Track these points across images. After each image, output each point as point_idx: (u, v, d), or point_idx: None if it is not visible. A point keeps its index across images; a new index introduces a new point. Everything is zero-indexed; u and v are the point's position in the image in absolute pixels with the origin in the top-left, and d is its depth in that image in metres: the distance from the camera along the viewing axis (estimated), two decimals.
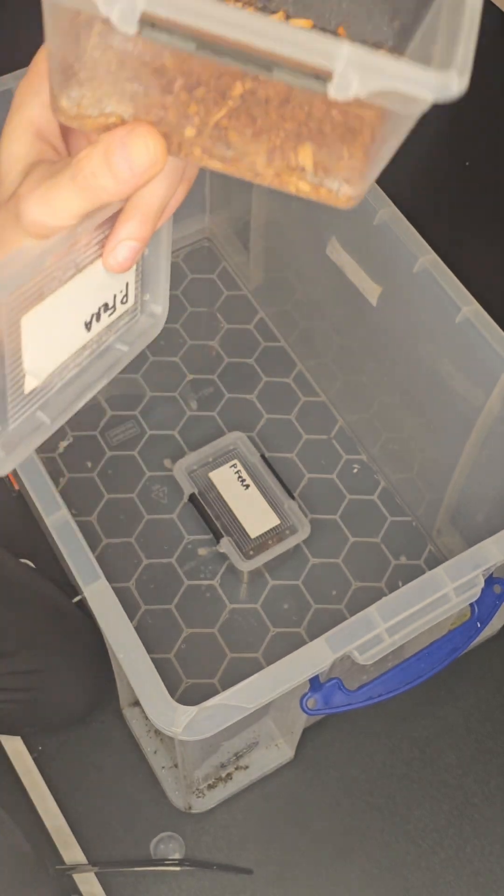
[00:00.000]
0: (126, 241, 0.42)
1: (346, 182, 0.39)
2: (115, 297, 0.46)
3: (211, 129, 0.38)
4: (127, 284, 0.47)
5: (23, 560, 1.05)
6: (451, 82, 0.33)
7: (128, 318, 0.48)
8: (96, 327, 0.46)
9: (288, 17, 0.42)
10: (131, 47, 0.36)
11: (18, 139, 0.43)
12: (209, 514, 1.12)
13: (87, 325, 0.45)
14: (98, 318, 0.46)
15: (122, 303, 0.47)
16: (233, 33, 0.32)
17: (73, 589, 0.83)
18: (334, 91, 0.33)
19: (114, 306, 0.46)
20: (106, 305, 0.46)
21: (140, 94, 0.37)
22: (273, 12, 0.42)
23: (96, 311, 0.45)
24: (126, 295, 0.47)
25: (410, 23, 0.39)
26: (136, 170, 0.37)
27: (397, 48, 0.40)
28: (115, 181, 0.38)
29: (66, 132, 0.44)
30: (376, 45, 0.41)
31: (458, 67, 0.33)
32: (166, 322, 1.35)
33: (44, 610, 0.96)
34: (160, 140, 0.38)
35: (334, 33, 0.41)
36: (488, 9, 0.81)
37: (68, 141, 0.44)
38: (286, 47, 0.32)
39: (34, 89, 0.42)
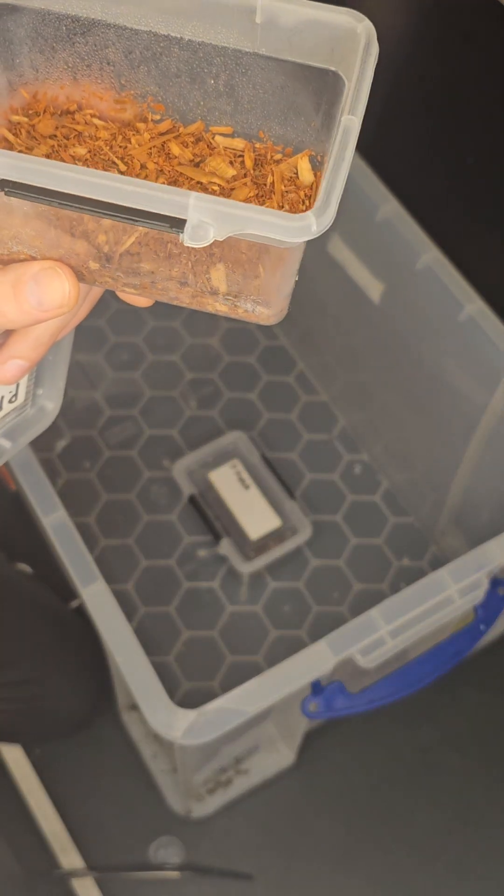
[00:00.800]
0: (16, 359, 0.42)
1: (260, 304, 0.40)
2: (2, 397, 0.46)
3: (122, 257, 0.39)
4: (17, 385, 0.46)
5: (20, 565, 1.04)
6: (310, 224, 0.34)
7: (14, 414, 0.48)
8: None
9: (208, 126, 0.43)
10: (19, 203, 0.37)
11: None
12: (209, 515, 1.11)
13: None
14: None
15: (9, 402, 0.47)
16: (86, 193, 0.34)
17: (72, 593, 0.82)
18: (189, 239, 0.34)
19: (0, 406, 0.46)
20: None
21: (45, 235, 0.38)
22: (192, 122, 0.43)
23: None
24: (15, 394, 0.47)
25: (326, 121, 0.41)
26: (44, 306, 0.38)
27: (321, 146, 0.41)
28: (18, 312, 0.38)
29: None
30: (297, 147, 0.42)
31: (318, 209, 0.34)
32: (166, 320, 1.34)
33: (41, 617, 0.95)
34: (75, 283, 0.38)
35: (256, 136, 0.42)
36: (490, 6, 0.81)
37: None
38: (140, 202, 0.34)
39: None
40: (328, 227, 0.34)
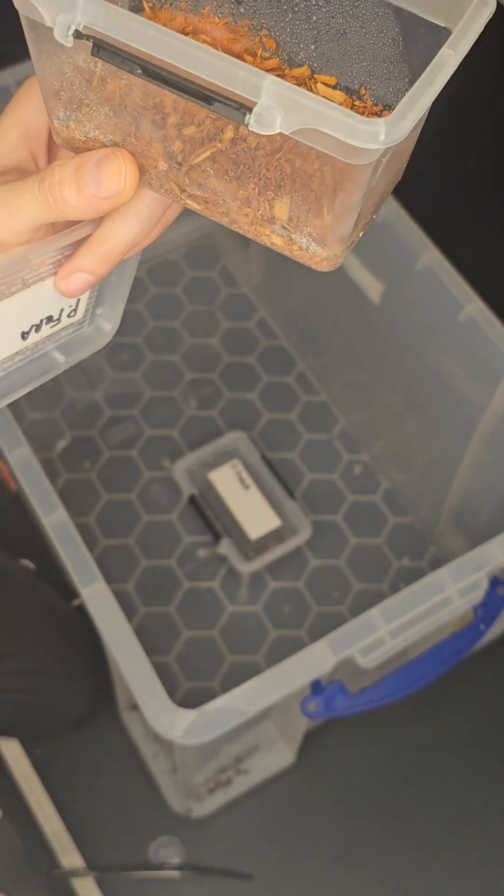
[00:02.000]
0: (82, 272, 0.41)
1: (316, 241, 0.39)
2: (61, 310, 0.45)
3: (192, 168, 0.38)
4: (78, 300, 0.46)
5: (23, 561, 1.05)
6: (378, 132, 0.33)
7: (72, 329, 0.47)
8: (34, 337, 0.45)
9: (313, 73, 0.42)
10: (111, 77, 0.36)
11: (5, 135, 0.42)
12: (209, 515, 1.11)
13: (24, 335, 0.44)
14: (38, 330, 0.45)
15: (68, 316, 0.46)
16: (163, 55, 0.33)
17: (73, 591, 0.82)
18: (255, 123, 0.33)
19: (58, 319, 0.46)
20: (50, 318, 0.45)
21: (127, 126, 0.38)
22: (299, 65, 0.42)
23: (38, 322, 0.44)
24: (75, 309, 0.46)
25: None
26: (102, 192, 0.38)
27: None
28: (78, 197, 0.38)
29: (53, 145, 0.44)
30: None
31: (391, 119, 0.33)
32: (166, 320, 1.34)
33: (42, 612, 0.95)
34: (134, 172, 0.38)
35: (357, 93, 0.41)
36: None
37: (51, 155, 0.44)
38: (213, 74, 0.33)
39: (35, 90, 0.41)
40: (399, 141, 0.33)
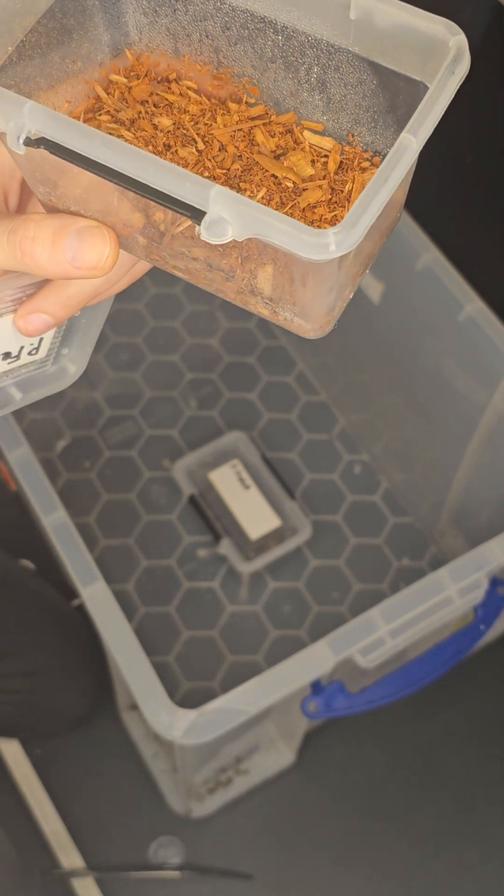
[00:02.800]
0: (42, 314, 0.41)
1: (298, 315, 0.39)
2: (21, 348, 0.45)
3: (174, 238, 0.38)
4: (41, 339, 0.45)
5: (24, 561, 1.05)
6: (328, 244, 0.32)
7: (33, 367, 0.47)
8: None
9: (300, 119, 0.42)
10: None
11: None
12: (209, 515, 1.11)
13: None
14: None
15: (29, 353, 0.45)
16: (113, 164, 0.33)
17: (73, 591, 0.82)
18: (205, 232, 0.33)
19: (17, 356, 0.45)
20: (7, 354, 0.44)
21: (106, 204, 0.37)
22: (285, 111, 0.42)
23: None
24: (37, 348, 0.46)
25: None
26: (77, 263, 0.37)
27: None
28: (50, 261, 0.37)
29: (26, 185, 0.43)
30: (384, 155, 0.41)
31: (341, 228, 0.32)
32: (166, 320, 1.34)
33: (42, 612, 0.95)
34: (115, 252, 0.37)
35: (346, 139, 0.41)
36: (491, 6, 0.81)
37: (24, 194, 0.43)
38: (162, 184, 0.33)
39: None
40: (353, 248, 0.32)
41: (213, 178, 0.39)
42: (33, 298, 0.41)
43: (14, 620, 0.92)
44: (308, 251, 0.32)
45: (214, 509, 1.12)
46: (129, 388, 1.23)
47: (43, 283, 0.41)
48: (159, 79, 0.43)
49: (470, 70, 0.36)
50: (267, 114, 0.42)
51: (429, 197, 0.94)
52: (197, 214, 0.33)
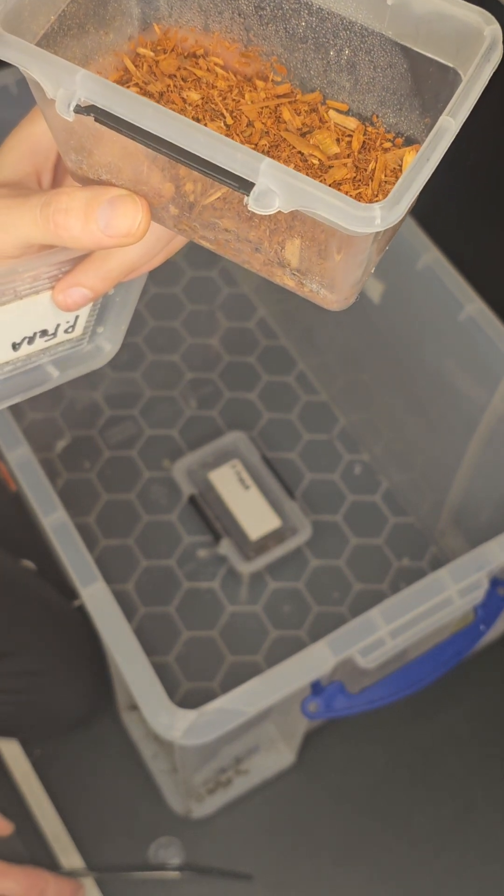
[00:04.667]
0: (81, 287, 0.41)
1: (325, 287, 0.40)
2: (58, 326, 0.45)
3: (204, 209, 0.39)
4: (76, 317, 0.46)
5: (24, 562, 1.04)
6: (374, 217, 0.33)
7: (69, 345, 0.47)
8: (26, 349, 0.44)
9: (325, 99, 0.42)
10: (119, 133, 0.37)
11: (13, 149, 0.42)
12: (209, 515, 1.11)
13: (15, 346, 0.44)
14: (31, 342, 0.44)
15: (65, 332, 0.46)
16: (163, 134, 0.34)
17: (73, 592, 0.82)
18: (253, 203, 0.34)
19: (54, 333, 0.45)
20: (45, 331, 0.45)
21: (138, 172, 0.38)
22: (311, 91, 0.43)
23: (31, 334, 0.44)
24: (73, 325, 0.46)
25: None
26: (109, 231, 0.37)
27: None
28: (83, 230, 0.37)
29: (60, 166, 0.44)
30: (408, 140, 0.42)
31: (387, 203, 0.34)
32: (166, 320, 1.34)
33: (42, 613, 0.95)
34: (147, 219, 0.38)
35: (370, 120, 0.42)
36: (490, 7, 0.80)
37: (57, 176, 0.44)
38: (212, 155, 0.34)
39: None
40: (396, 223, 0.34)
41: None
42: (72, 273, 0.41)
43: (14, 621, 0.92)
44: (354, 223, 0.33)
45: (214, 509, 1.12)
46: (129, 388, 1.23)
47: (79, 259, 0.41)
48: (186, 54, 0.43)
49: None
50: (293, 92, 0.42)
51: (429, 197, 0.94)
52: (245, 185, 0.34)
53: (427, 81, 0.39)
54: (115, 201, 0.37)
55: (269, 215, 0.37)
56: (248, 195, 0.34)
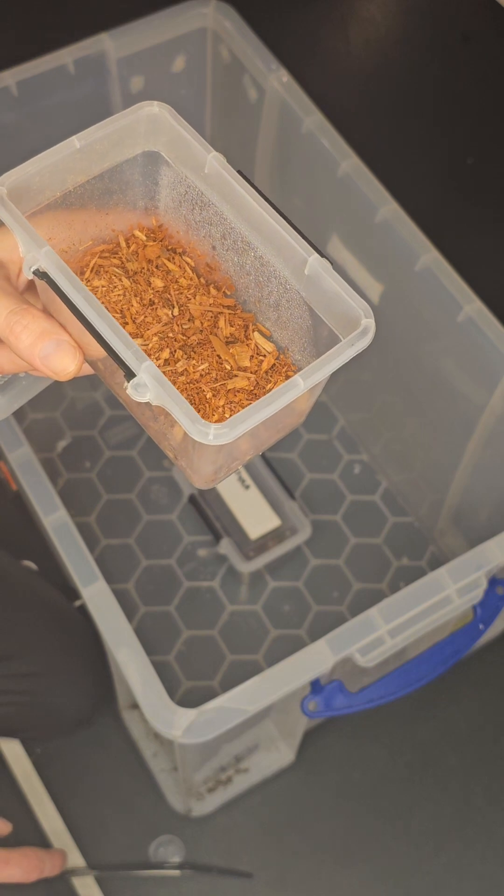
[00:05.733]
0: None
1: (190, 468, 0.48)
2: None
3: (115, 372, 0.46)
4: None
5: (25, 562, 1.05)
6: (208, 433, 0.41)
7: None
8: None
9: (256, 321, 0.51)
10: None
11: None
12: (209, 515, 1.11)
13: None
14: None
15: None
16: (87, 315, 0.43)
17: (74, 592, 0.82)
18: (130, 388, 0.42)
19: None
20: None
21: (78, 328, 0.45)
22: (249, 311, 0.52)
23: None
24: None
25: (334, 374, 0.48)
26: (45, 363, 0.45)
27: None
28: (27, 349, 0.45)
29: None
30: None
31: (223, 426, 0.41)
32: None
33: (43, 614, 0.95)
34: (77, 369, 0.45)
35: (284, 351, 0.51)
36: (490, 7, 0.81)
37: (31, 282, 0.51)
38: (113, 344, 0.43)
39: (9, 233, 0.48)
40: (226, 443, 0.41)
41: (175, 340, 0.49)
42: None
43: (16, 621, 0.92)
44: (194, 434, 0.41)
45: (214, 509, 1.12)
46: None
47: None
48: (169, 247, 0.53)
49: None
50: (235, 306, 0.52)
51: (428, 197, 0.94)
52: (129, 374, 0.42)
53: (322, 338, 0.48)
54: (62, 344, 0.45)
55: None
56: (128, 382, 0.42)
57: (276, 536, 1.10)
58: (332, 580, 1.12)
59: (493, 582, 0.80)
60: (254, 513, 1.11)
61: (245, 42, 0.97)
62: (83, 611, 0.93)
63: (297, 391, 0.43)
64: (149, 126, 0.50)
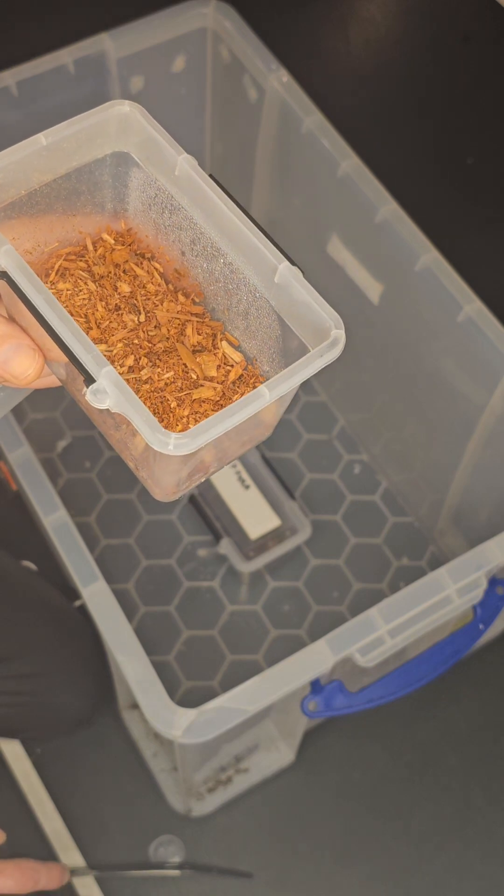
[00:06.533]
0: None
1: (151, 479, 0.48)
2: None
3: (76, 379, 0.45)
4: None
5: (25, 562, 1.05)
6: (168, 442, 0.40)
7: None
8: None
9: (225, 329, 0.50)
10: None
11: None
12: (209, 515, 1.11)
13: None
14: None
15: None
16: (47, 317, 0.42)
17: (74, 592, 0.82)
18: (89, 394, 0.41)
19: None
20: None
21: (39, 331, 0.44)
22: (218, 320, 0.50)
23: None
24: None
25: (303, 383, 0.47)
26: (5, 367, 0.44)
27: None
28: None
29: None
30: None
31: (183, 435, 0.40)
32: None
33: (44, 614, 0.95)
34: (37, 372, 0.44)
35: (252, 361, 0.50)
36: (490, 7, 0.81)
37: None
38: (73, 348, 0.42)
39: None
40: (187, 453, 0.40)
41: (140, 347, 0.48)
42: None
43: (16, 622, 0.92)
44: (154, 443, 0.40)
45: (214, 509, 1.12)
46: None
47: None
48: (138, 252, 0.52)
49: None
50: (204, 314, 0.50)
51: (428, 197, 0.94)
52: (89, 379, 0.41)
53: (292, 348, 0.47)
54: (21, 348, 0.44)
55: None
56: (87, 388, 0.41)
57: (276, 536, 1.11)
58: (332, 580, 1.12)
59: (493, 582, 0.80)
60: (254, 513, 1.11)
61: (245, 42, 0.97)
62: (83, 611, 0.93)
63: (262, 402, 0.42)
64: (119, 126, 0.48)
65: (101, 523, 1.14)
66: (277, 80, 0.95)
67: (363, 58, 0.99)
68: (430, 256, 0.89)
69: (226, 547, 1.09)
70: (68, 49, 0.94)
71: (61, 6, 1.00)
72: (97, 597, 0.77)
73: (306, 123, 0.94)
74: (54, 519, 0.81)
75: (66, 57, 0.94)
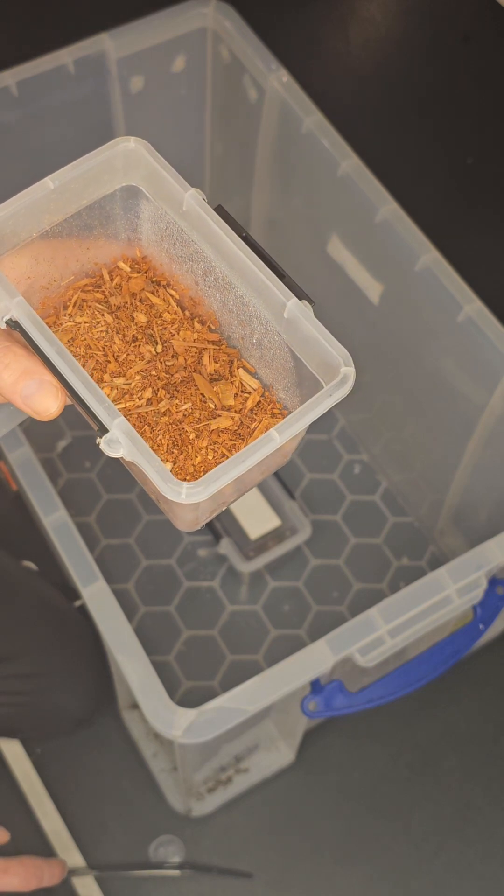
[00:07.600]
0: None
1: (170, 514, 0.48)
2: None
3: None
4: None
5: (25, 562, 1.05)
6: (180, 492, 0.41)
7: None
8: None
9: (241, 357, 0.51)
10: None
11: None
12: None
13: None
14: None
15: None
16: (60, 369, 0.43)
17: (75, 592, 0.82)
18: (103, 444, 0.42)
19: None
20: None
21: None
22: (234, 347, 0.51)
23: None
24: None
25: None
26: (27, 402, 0.45)
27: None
28: (9, 387, 0.45)
29: None
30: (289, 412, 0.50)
31: (195, 484, 0.41)
32: None
33: (44, 614, 0.95)
34: (58, 410, 0.45)
35: (269, 388, 0.50)
36: (490, 7, 0.81)
37: None
38: (86, 398, 0.42)
39: None
40: (201, 501, 0.41)
41: (158, 378, 0.48)
42: None
43: (16, 622, 0.92)
44: (166, 492, 0.41)
45: None
46: None
47: None
48: (154, 279, 0.52)
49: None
50: (220, 341, 0.51)
51: (428, 197, 0.94)
52: (102, 429, 0.42)
53: (305, 380, 0.48)
54: (44, 384, 0.44)
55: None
56: (100, 437, 0.42)
57: (276, 536, 1.11)
58: (332, 580, 1.12)
59: (493, 582, 0.80)
60: (254, 513, 1.11)
61: (245, 42, 0.97)
62: (83, 611, 0.93)
63: (272, 445, 0.43)
64: (126, 161, 0.49)
65: (101, 523, 1.14)
66: (277, 80, 0.95)
67: (363, 58, 0.99)
68: (430, 256, 0.89)
69: (226, 547, 1.09)
70: (68, 49, 0.94)
71: (61, 6, 1.00)
72: (97, 597, 0.77)
73: (306, 123, 0.94)
74: (54, 519, 0.81)
75: (66, 57, 0.94)
